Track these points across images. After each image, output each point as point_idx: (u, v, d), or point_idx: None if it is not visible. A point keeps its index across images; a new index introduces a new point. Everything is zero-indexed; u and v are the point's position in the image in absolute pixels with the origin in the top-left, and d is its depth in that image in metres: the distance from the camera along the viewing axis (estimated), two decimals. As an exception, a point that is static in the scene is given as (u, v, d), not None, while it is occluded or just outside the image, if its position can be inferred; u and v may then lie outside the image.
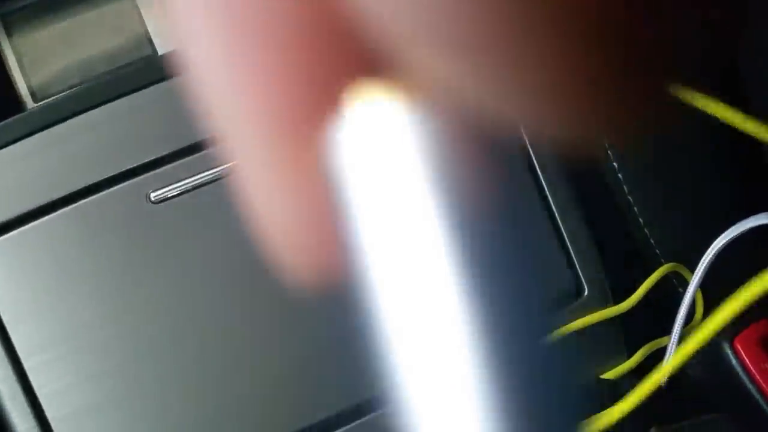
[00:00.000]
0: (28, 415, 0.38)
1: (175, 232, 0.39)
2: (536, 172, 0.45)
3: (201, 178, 0.40)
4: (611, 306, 0.44)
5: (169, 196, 0.40)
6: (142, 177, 0.40)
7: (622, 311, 0.44)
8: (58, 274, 0.39)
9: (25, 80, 0.45)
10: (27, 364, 0.38)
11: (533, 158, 0.46)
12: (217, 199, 0.40)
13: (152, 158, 0.40)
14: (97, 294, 0.39)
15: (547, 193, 0.45)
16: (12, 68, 0.45)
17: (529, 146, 0.45)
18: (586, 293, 0.44)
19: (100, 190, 0.39)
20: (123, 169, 0.40)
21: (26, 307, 0.39)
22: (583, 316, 0.43)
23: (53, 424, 0.38)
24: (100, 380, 0.39)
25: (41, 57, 0.46)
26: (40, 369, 0.38)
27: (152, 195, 0.40)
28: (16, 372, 0.38)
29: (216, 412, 0.40)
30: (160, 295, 0.39)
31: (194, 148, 0.40)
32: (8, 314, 0.38)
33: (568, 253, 0.45)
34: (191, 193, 0.40)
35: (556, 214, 0.45)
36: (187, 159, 0.40)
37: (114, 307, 0.39)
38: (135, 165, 0.40)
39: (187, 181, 0.40)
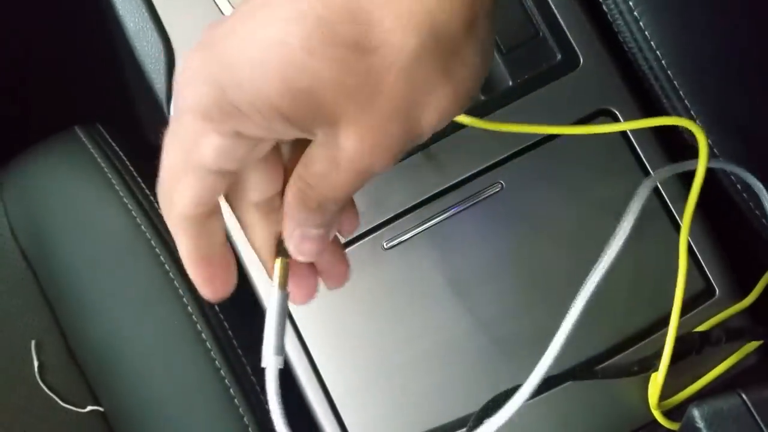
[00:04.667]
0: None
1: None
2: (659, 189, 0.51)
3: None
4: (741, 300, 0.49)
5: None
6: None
7: (748, 305, 0.49)
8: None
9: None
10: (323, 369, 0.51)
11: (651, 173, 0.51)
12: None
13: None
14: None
15: (671, 206, 0.51)
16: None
17: (646, 162, 0.51)
18: (717, 294, 0.50)
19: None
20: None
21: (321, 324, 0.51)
22: (717, 314, 0.49)
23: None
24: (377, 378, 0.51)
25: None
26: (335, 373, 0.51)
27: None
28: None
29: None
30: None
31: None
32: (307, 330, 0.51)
33: (698, 260, 0.50)
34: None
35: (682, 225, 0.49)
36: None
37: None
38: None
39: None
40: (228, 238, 0.37)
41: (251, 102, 0.29)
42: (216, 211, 0.35)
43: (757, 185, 0.47)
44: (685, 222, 0.46)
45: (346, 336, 0.51)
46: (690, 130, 0.46)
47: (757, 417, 0.37)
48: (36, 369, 0.56)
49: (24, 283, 0.58)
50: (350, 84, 0.29)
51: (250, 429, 0.51)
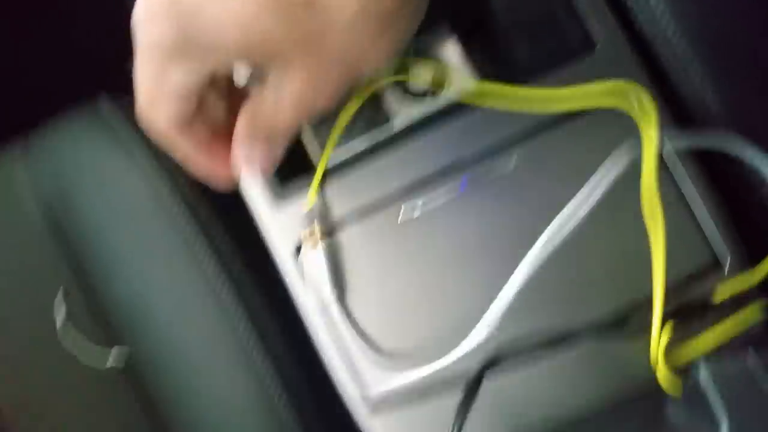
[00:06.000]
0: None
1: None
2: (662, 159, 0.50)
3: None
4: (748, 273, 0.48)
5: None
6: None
7: (757, 282, 0.48)
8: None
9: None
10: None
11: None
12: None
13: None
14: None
15: (676, 178, 0.50)
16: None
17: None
18: (728, 266, 0.49)
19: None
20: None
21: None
22: (725, 285, 0.48)
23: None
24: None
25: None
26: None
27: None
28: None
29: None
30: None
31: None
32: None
33: (703, 233, 0.49)
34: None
35: (686, 196, 0.50)
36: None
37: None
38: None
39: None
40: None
41: (211, 42, 0.35)
42: (197, 113, 0.40)
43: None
44: (644, 197, 0.46)
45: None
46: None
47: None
48: (59, 326, 0.58)
49: (46, 249, 0.60)
50: (300, 38, 0.35)
51: (267, 379, 0.54)
